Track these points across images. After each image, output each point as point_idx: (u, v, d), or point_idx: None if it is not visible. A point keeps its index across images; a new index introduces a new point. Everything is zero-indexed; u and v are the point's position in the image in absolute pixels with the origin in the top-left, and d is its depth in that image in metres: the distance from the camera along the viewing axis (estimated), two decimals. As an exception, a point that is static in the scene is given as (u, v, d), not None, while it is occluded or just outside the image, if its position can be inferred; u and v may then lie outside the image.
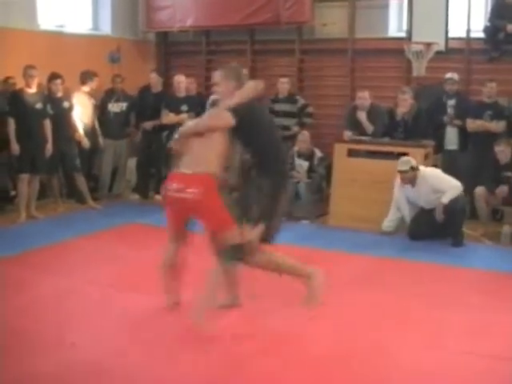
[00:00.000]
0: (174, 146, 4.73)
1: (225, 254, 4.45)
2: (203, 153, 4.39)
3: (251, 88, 4.68)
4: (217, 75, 4.74)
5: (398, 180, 7.29)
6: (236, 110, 4.47)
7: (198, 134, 4.53)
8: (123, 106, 9.43)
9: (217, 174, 4.36)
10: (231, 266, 4.60)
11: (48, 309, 5.05)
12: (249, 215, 4.41)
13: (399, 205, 7.36)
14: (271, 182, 4.46)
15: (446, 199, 6.95)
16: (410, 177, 7.10)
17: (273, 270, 4.66)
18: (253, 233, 4.40)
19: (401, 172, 7.12)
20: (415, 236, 7.16)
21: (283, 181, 4.61)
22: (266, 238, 4.56)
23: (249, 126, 4.46)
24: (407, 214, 7.33)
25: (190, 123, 4.86)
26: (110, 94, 9.45)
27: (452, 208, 6.93)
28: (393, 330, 4.71)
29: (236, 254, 4.44)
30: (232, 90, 4.61)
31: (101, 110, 9.34)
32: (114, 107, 9.37)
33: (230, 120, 4.43)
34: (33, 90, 8.08)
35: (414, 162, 7.10)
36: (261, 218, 4.43)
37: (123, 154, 9.63)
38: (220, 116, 4.53)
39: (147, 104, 9.34)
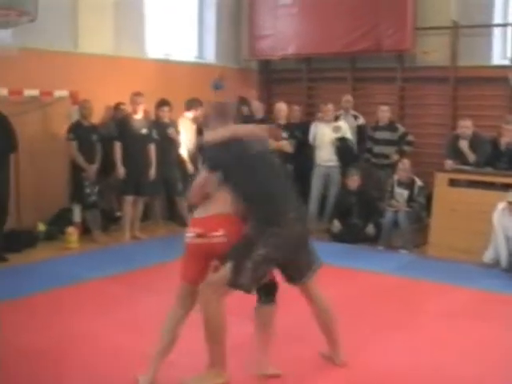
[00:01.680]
0: (191, 198, 4.29)
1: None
2: (217, 196, 4.06)
3: (231, 130, 4.19)
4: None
5: (498, 210, 7.15)
6: (208, 159, 4.22)
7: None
8: None
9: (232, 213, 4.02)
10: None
11: (146, 327, 5.12)
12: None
13: (496, 235, 7.18)
14: (254, 224, 3.97)
15: None
16: (519, 209, 6.97)
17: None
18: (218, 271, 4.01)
19: (511, 203, 6.98)
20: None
21: (267, 227, 3.94)
22: (232, 282, 3.94)
23: (224, 169, 4.03)
24: (503, 246, 7.14)
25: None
26: (206, 121, 9.56)
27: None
28: (493, 365, 4.61)
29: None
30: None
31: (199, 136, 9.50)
32: None
33: (205, 175, 4.11)
34: (139, 115, 8.41)
35: None
36: (229, 257, 3.96)
37: None
38: (200, 176, 4.18)
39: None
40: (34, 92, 7.93)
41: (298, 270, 4.19)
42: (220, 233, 3.95)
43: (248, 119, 9.69)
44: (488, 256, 7.28)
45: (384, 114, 9.20)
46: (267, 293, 4.19)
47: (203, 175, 4.14)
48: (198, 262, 4.11)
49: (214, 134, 4.19)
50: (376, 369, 4.47)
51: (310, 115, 10.21)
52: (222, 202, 4.04)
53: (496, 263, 7.23)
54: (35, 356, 4.59)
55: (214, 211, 4.04)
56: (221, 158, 4.06)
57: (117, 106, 8.91)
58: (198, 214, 4.13)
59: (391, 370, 4.46)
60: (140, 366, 4.42)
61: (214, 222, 3.99)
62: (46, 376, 4.30)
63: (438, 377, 4.36)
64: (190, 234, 4.08)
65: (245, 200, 4.00)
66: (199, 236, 4.01)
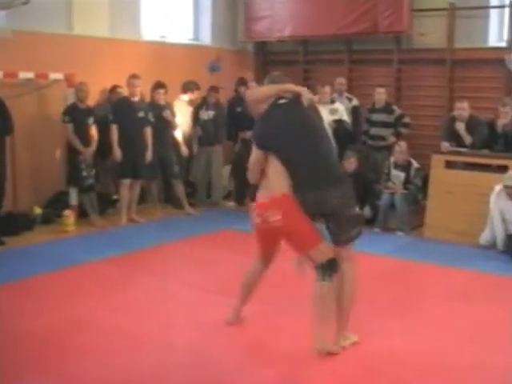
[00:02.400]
0: (251, 179, 4.54)
1: (320, 271, 4.26)
2: (273, 176, 4.27)
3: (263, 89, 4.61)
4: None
5: (494, 192, 7.16)
6: (254, 137, 4.45)
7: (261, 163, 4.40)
8: (211, 114, 9.39)
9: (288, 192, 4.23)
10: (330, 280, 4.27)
11: (144, 309, 5.24)
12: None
13: (492, 218, 7.20)
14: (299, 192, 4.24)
15: None
16: (515, 193, 6.98)
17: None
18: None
19: (507, 187, 6.99)
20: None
21: (297, 192, 4.22)
22: None
23: (268, 144, 4.32)
24: (499, 228, 7.16)
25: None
26: (202, 102, 9.49)
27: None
28: (491, 347, 4.61)
29: (331, 267, 4.25)
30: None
31: (195, 117, 9.50)
32: (203, 115, 9.38)
33: (255, 152, 4.37)
34: (135, 98, 8.39)
35: None
36: None
37: (213, 161, 9.60)
38: (252, 154, 4.43)
39: (245, 113, 9.47)
40: (30, 75, 7.88)
41: (335, 234, 4.32)
42: (277, 216, 4.18)
43: (240, 102, 9.69)
44: (484, 238, 7.30)
45: (380, 96, 9.17)
46: (325, 269, 4.23)
47: (254, 153, 4.39)
48: (263, 241, 4.53)
49: (257, 91, 4.56)
50: (373, 351, 4.47)
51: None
52: (278, 179, 4.24)
53: (492, 245, 7.25)
54: (33, 339, 4.60)
55: (273, 192, 4.23)
56: (264, 133, 4.35)
57: (113, 89, 8.85)
58: (262, 197, 4.36)
59: (388, 351, 4.47)
60: (137, 348, 4.47)
61: (274, 206, 4.21)
62: (44, 359, 4.31)
63: (435, 359, 4.37)
64: (255, 217, 4.37)
65: (286, 169, 4.23)
66: (263, 221, 4.30)
